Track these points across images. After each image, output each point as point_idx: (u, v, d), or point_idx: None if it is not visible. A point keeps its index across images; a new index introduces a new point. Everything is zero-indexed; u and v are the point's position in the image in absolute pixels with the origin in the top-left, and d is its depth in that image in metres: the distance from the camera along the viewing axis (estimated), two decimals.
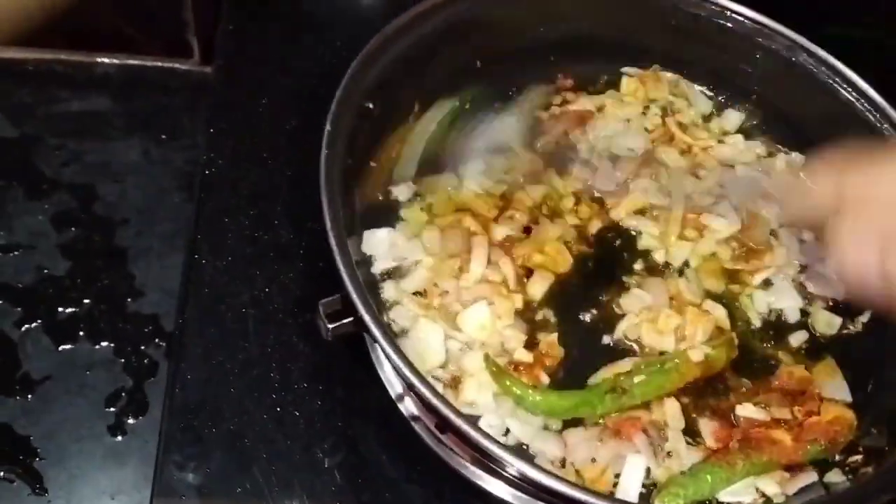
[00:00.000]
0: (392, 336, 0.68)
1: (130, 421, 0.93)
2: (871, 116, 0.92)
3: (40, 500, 0.88)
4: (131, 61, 1.17)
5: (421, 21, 0.89)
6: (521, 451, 0.77)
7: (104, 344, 0.97)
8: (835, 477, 0.77)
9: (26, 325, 0.97)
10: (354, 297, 0.67)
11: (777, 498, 0.77)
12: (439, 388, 0.75)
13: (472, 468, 0.81)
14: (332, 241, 0.69)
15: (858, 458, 0.77)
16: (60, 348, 0.96)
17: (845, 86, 0.93)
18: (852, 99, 0.92)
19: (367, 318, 0.67)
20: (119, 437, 0.92)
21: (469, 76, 0.98)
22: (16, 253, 1.02)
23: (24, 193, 1.06)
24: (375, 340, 0.68)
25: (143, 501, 0.87)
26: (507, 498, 0.81)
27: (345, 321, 0.72)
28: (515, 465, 0.64)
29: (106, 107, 1.14)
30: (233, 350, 0.85)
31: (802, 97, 0.97)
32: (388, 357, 0.68)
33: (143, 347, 0.97)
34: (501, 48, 1.00)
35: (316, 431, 0.83)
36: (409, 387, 0.68)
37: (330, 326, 0.72)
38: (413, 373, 0.65)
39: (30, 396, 0.93)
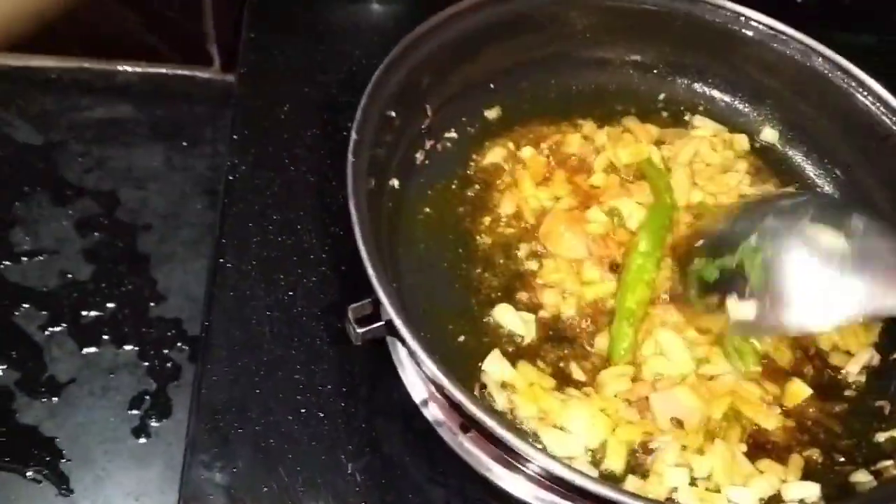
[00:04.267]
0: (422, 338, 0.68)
1: (154, 424, 0.94)
2: (887, 120, 0.92)
3: (67, 500, 0.89)
4: (153, 70, 1.19)
5: (442, 29, 0.90)
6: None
7: (128, 347, 0.99)
8: (861, 477, 0.77)
9: (51, 329, 0.99)
10: (385, 301, 0.68)
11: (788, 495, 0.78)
12: None
13: (496, 471, 0.81)
14: (362, 246, 0.70)
15: (889, 462, 0.77)
16: (85, 351, 0.98)
17: (861, 90, 0.93)
18: (868, 104, 0.93)
19: (397, 321, 0.67)
20: (143, 440, 0.93)
21: (485, 85, 0.99)
22: (41, 258, 1.03)
23: (49, 199, 1.08)
24: (404, 343, 0.69)
25: (168, 502, 0.89)
26: (529, 500, 0.82)
27: (375, 325, 0.73)
28: (541, 462, 0.65)
29: (128, 114, 1.16)
30: (258, 352, 0.86)
31: (819, 103, 0.98)
32: (417, 359, 0.68)
33: (166, 351, 0.99)
34: (515, 61, 1.01)
35: (340, 433, 0.83)
36: (438, 388, 0.69)
37: (360, 331, 0.73)
38: (443, 372, 0.66)
39: (55, 399, 0.94)
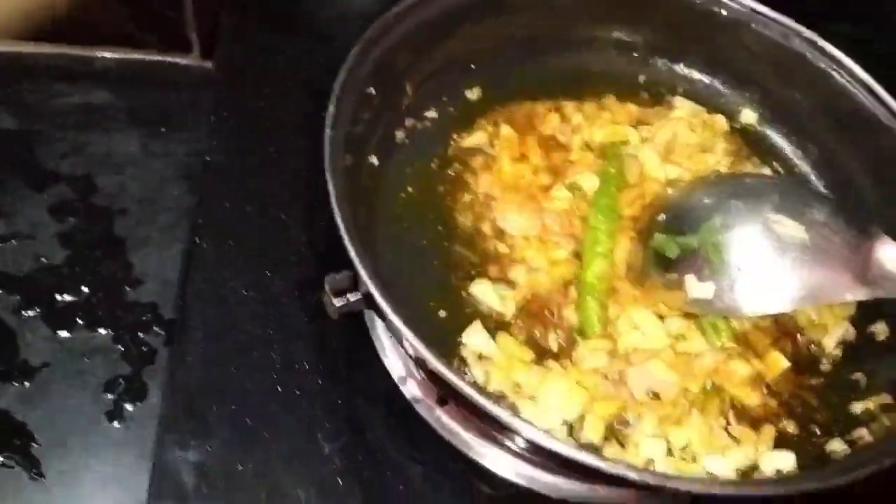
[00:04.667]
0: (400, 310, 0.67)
1: (129, 407, 0.92)
2: (866, 101, 0.92)
3: (39, 484, 0.87)
4: (131, 56, 1.18)
5: (421, 7, 0.90)
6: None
7: (102, 331, 0.97)
8: (837, 446, 0.77)
9: (25, 313, 0.97)
10: (362, 271, 0.67)
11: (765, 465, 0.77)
12: None
13: (475, 446, 0.81)
14: (338, 215, 0.69)
15: (863, 430, 0.77)
16: (59, 335, 0.96)
17: (841, 71, 0.94)
18: (847, 85, 0.93)
19: (375, 292, 0.66)
20: (117, 424, 0.91)
21: (466, 65, 0.99)
22: (14, 242, 1.02)
23: (24, 184, 1.06)
24: (382, 315, 0.68)
25: (141, 486, 0.87)
26: (509, 476, 0.81)
27: (352, 298, 0.72)
28: (522, 430, 0.64)
29: (106, 100, 1.15)
30: (234, 332, 0.85)
31: (799, 85, 0.98)
32: (395, 331, 0.67)
33: (141, 335, 0.97)
34: (496, 40, 1.00)
35: (317, 412, 0.83)
36: (417, 360, 0.68)
37: (337, 303, 0.72)
38: (421, 341, 0.65)
39: (27, 383, 0.93)
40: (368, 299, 0.70)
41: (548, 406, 0.76)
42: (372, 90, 0.85)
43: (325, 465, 0.80)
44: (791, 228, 0.82)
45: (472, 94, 0.99)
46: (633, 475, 0.62)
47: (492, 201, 0.91)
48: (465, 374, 0.79)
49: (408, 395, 0.83)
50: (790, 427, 0.80)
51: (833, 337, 0.86)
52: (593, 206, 0.90)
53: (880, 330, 0.86)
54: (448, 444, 0.81)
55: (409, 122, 0.94)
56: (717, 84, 1.05)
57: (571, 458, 0.62)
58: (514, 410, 0.76)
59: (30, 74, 1.15)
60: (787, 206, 0.83)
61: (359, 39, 0.85)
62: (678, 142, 0.97)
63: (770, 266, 0.81)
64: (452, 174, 0.93)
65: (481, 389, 0.75)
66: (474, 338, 0.80)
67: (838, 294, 0.80)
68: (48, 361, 0.94)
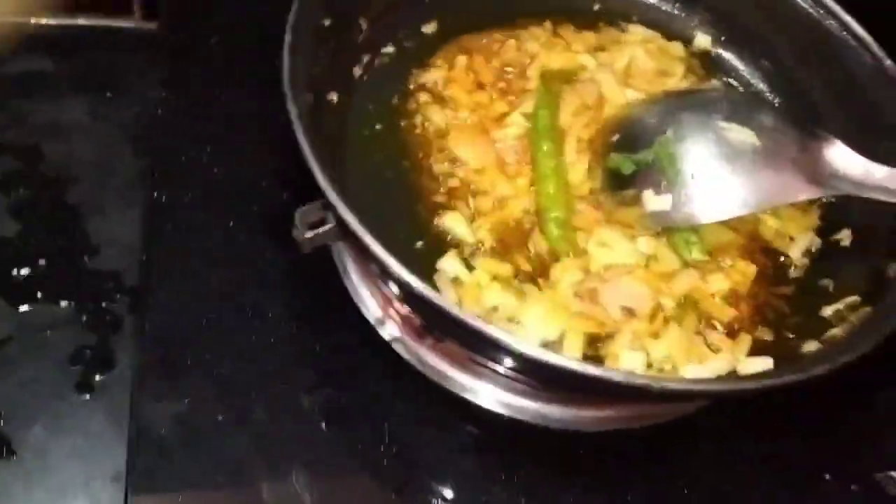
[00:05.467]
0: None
1: (97, 378, 0.89)
2: (821, 18, 0.93)
3: (10, 463, 0.84)
4: (70, 21, 1.14)
5: None
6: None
7: (64, 303, 0.94)
8: (811, 346, 0.78)
9: None
10: (334, 198, 0.66)
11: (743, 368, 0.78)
12: None
13: (459, 380, 0.81)
14: (306, 147, 0.67)
15: (836, 330, 0.78)
16: (19, 310, 0.93)
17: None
18: (804, 3, 0.94)
19: (349, 217, 0.65)
20: (87, 395, 0.89)
21: None
22: None
23: None
24: (357, 240, 0.66)
25: (118, 455, 0.84)
26: (494, 408, 0.80)
27: (325, 228, 0.70)
28: (512, 345, 0.63)
29: (47, 67, 1.11)
30: (202, 284, 0.83)
31: (753, 3, 0.99)
32: (372, 256, 0.66)
33: (104, 304, 0.94)
34: None
35: (294, 359, 0.81)
36: (398, 283, 0.66)
37: (308, 235, 0.70)
38: (402, 267, 0.64)
39: None
40: (342, 226, 0.68)
41: (526, 327, 0.76)
42: (326, 22, 0.83)
43: (307, 412, 0.79)
44: (741, 134, 0.84)
45: (428, 27, 0.98)
46: (632, 381, 0.61)
47: (447, 134, 0.90)
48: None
49: (386, 336, 0.82)
50: (765, 335, 0.82)
51: (798, 246, 0.87)
52: (532, 127, 0.90)
53: (844, 236, 0.87)
54: (432, 382, 0.80)
55: (365, 57, 0.92)
56: (671, 9, 1.05)
57: (565, 367, 0.61)
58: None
59: None
60: (737, 113, 0.85)
61: None
62: (636, 67, 0.97)
63: (723, 172, 0.83)
64: (412, 109, 0.92)
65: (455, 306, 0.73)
66: (449, 264, 0.79)
67: (791, 194, 0.83)
68: (10, 335, 0.91)
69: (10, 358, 0.90)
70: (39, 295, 0.94)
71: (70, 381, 0.89)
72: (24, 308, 0.93)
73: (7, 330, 0.91)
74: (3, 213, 0.99)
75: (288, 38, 0.73)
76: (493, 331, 0.64)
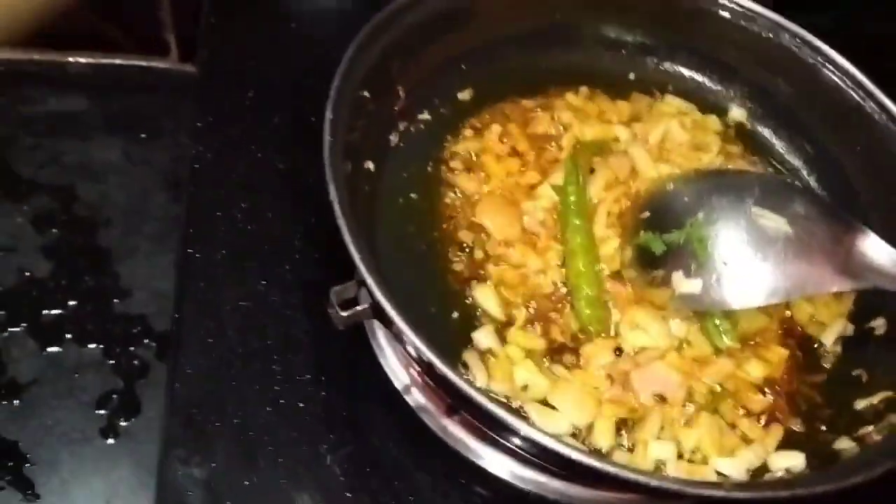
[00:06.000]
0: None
1: (123, 423, 0.90)
2: (853, 93, 0.93)
3: None
4: (107, 60, 1.14)
5: (411, 9, 0.89)
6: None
7: (92, 346, 0.95)
8: (844, 444, 0.77)
9: (10, 329, 0.94)
10: (371, 282, 0.66)
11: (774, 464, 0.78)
12: None
13: (483, 454, 0.81)
14: (344, 228, 0.68)
15: (870, 428, 0.78)
16: (47, 351, 0.94)
17: (828, 65, 0.95)
18: (835, 78, 0.94)
19: (384, 302, 0.65)
20: (111, 440, 0.89)
21: (457, 66, 0.98)
22: None
23: (3, 195, 1.03)
24: (391, 324, 0.67)
25: (140, 503, 0.85)
26: (518, 483, 0.81)
27: (360, 308, 0.71)
28: (534, 437, 0.63)
29: (82, 107, 1.12)
30: (232, 344, 0.84)
31: (787, 80, 0.99)
32: (404, 340, 0.66)
33: (132, 348, 0.95)
34: (486, 41, 1.00)
35: (321, 423, 0.82)
36: (426, 367, 0.67)
37: (343, 314, 0.71)
38: (432, 351, 0.65)
39: (16, 402, 0.90)
40: (377, 310, 0.69)
41: (557, 411, 0.76)
42: (366, 94, 0.84)
43: (332, 478, 0.79)
44: (774, 221, 0.84)
45: (464, 94, 0.98)
46: (668, 485, 0.61)
47: (477, 204, 0.90)
48: (471, 379, 0.79)
49: (412, 404, 0.82)
50: (796, 425, 0.81)
51: (831, 334, 0.87)
52: (560, 203, 0.90)
53: (879, 325, 0.87)
54: (455, 453, 0.81)
55: (402, 125, 0.93)
56: (707, 81, 1.05)
57: (594, 467, 0.61)
58: (522, 414, 0.76)
59: (1, 81, 1.12)
60: (770, 199, 0.85)
61: (350, 43, 0.83)
62: (671, 140, 0.97)
63: (755, 259, 0.82)
64: (445, 178, 0.92)
65: (492, 398, 0.74)
66: (484, 336, 0.80)
67: (823, 285, 0.82)
68: (37, 378, 0.92)
69: (37, 399, 0.91)
70: (68, 337, 0.95)
71: (96, 426, 0.90)
72: (52, 349, 0.94)
73: (35, 371, 0.92)
74: (36, 252, 1.00)
75: (329, 114, 0.74)
76: (516, 422, 0.64)
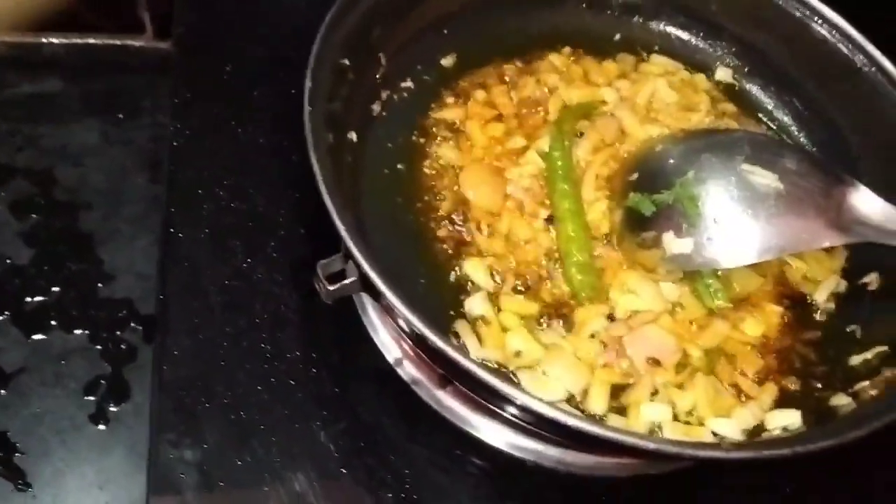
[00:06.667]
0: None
1: (112, 408, 0.89)
2: (843, 48, 0.92)
3: (25, 495, 0.84)
4: (81, 40, 1.12)
5: None
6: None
7: (78, 332, 0.93)
8: (840, 400, 0.77)
9: None
10: (358, 254, 0.65)
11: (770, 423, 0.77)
12: None
13: (477, 423, 0.80)
14: (328, 200, 0.66)
15: (865, 383, 0.77)
16: (32, 339, 0.92)
17: (817, 19, 0.93)
18: (825, 33, 0.92)
19: (372, 274, 0.64)
20: (102, 426, 0.88)
21: (439, 31, 0.96)
22: None
23: None
24: (380, 296, 0.65)
25: (133, 489, 0.84)
26: (513, 451, 0.80)
27: (347, 281, 0.69)
28: (532, 405, 0.62)
29: (58, 89, 1.09)
30: (219, 324, 0.82)
31: (775, 35, 0.97)
32: (394, 312, 0.65)
33: (119, 333, 0.93)
34: (467, 4, 0.97)
35: (313, 400, 0.81)
36: (417, 339, 0.66)
37: (331, 288, 0.70)
38: (422, 322, 0.63)
39: (3, 391, 0.89)
40: (365, 282, 0.67)
41: (551, 378, 0.75)
42: (346, 62, 0.82)
43: (326, 455, 0.78)
44: (765, 178, 0.82)
45: (447, 60, 0.96)
46: (670, 448, 0.61)
47: (460, 173, 0.89)
48: (463, 347, 0.77)
49: (405, 377, 0.82)
50: (791, 384, 0.80)
51: (824, 290, 0.86)
52: (547, 168, 0.88)
53: (872, 280, 0.86)
54: (450, 425, 0.80)
55: (384, 93, 0.91)
56: (694, 40, 1.03)
57: (591, 433, 0.60)
58: (514, 380, 0.76)
59: None
60: (760, 156, 0.83)
61: (329, 10, 0.81)
62: (658, 100, 0.95)
63: (746, 216, 0.81)
64: (429, 147, 0.90)
65: (485, 366, 0.73)
66: (476, 303, 0.79)
67: (814, 241, 0.82)
68: (23, 367, 0.91)
69: (24, 388, 0.90)
70: (53, 324, 0.94)
71: (85, 412, 0.89)
72: (37, 337, 0.93)
73: (21, 360, 0.91)
74: (16, 239, 0.98)
75: (308, 83, 0.72)
76: (511, 390, 0.63)
